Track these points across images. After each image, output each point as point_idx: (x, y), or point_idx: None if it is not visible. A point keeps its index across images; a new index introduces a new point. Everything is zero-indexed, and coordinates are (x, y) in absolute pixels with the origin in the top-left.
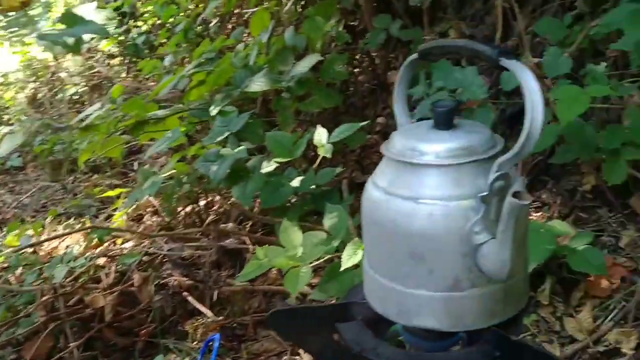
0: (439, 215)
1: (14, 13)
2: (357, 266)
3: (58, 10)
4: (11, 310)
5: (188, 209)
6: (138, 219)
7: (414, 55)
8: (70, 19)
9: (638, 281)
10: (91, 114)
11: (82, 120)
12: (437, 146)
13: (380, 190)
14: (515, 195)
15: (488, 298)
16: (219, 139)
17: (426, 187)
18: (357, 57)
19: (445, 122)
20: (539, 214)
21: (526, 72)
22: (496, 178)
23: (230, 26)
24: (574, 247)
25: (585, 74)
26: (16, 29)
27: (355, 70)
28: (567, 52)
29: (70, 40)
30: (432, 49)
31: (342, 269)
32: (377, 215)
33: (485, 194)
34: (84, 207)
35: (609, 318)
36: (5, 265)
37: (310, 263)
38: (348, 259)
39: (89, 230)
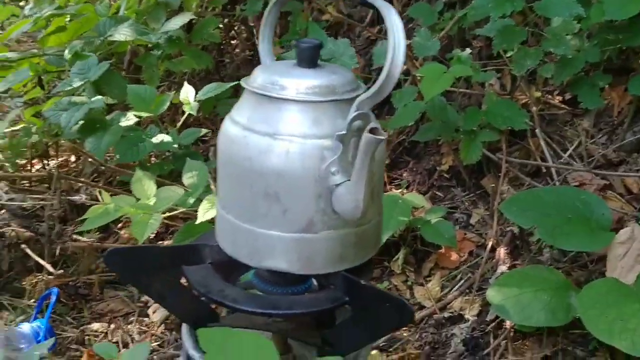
0: (296, 153)
1: None
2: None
3: None
4: None
5: (36, 163)
6: None
7: None
8: None
9: (483, 254)
10: None
11: None
12: (298, 82)
13: (238, 125)
14: (372, 131)
15: (340, 242)
16: (75, 85)
17: (284, 123)
18: (235, 26)
19: (308, 59)
20: (398, 190)
21: (391, 10)
22: (354, 117)
23: None
24: (428, 220)
25: (451, 57)
26: None
27: (233, 41)
28: (437, 37)
29: None
30: None
31: (197, 222)
32: (233, 152)
33: (343, 132)
34: None
35: (455, 288)
36: None
37: (163, 213)
38: (204, 212)
39: None
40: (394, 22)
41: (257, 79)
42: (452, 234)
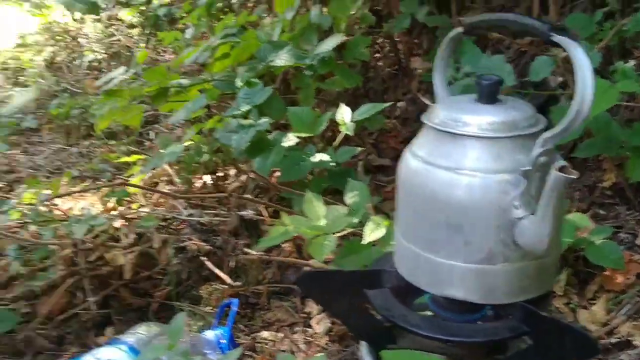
0: (478, 187)
1: None
2: (374, 244)
3: None
4: (27, 265)
5: (205, 178)
6: (154, 184)
7: (459, 29)
8: None
9: None
10: (114, 78)
11: (104, 84)
12: (480, 118)
13: (418, 159)
14: (562, 169)
15: (520, 273)
16: (243, 110)
17: (467, 158)
18: (379, 41)
19: (489, 95)
20: None
21: (577, 48)
22: (541, 153)
23: (252, 2)
24: (592, 240)
25: (613, 70)
26: None
27: (377, 54)
28: (596, 48)
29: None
30: (479, 23)
31: (364, 242)
32: (415, 184)
33: (528, 168)
34: (100, 171)
35: (622, 312)
36: (22, 222)
37: (334, 233)
38: (370, 233)
39: (105, 192)
40: (581, 60)
41: (439, 114)
42: (619, 255)
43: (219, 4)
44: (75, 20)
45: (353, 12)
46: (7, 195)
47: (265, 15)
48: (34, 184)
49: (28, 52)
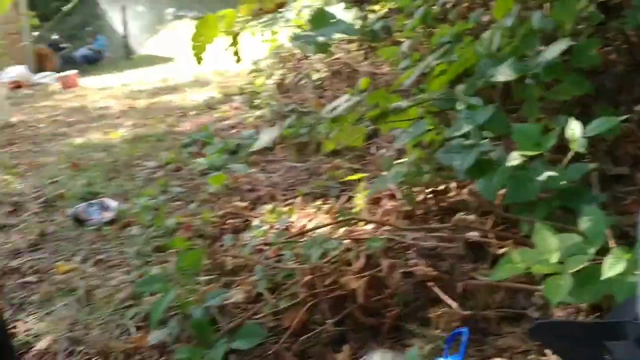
0: None
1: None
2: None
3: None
4: (272, 283)
5: (426, 195)
6: (376, 201)
7: None
8: (320, 19)
9: None
10: (339, 106)
11: (331, 110)
12: None
13: None
14: None
15: None
16: (465, 130)
17: None
18: (609, 35)
19: None
20: None
21: None
22: None
23: (467, 8)
24: None
25: None
26: (269, 22)
27: (607, 49)
28: None
29: (321, 40)
30: None
31: (602, 277)
32: None
33: None
34: (327, 188)
35: None
36: (265, 243)
37: (570, 271)
38: (609, 268)
39: (335, 211)
40: None
41: None
42: None
43: (435, 12)
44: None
45: (580, 11)
46: (251, 214)
47: (483, 19)
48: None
49: (261, 77)
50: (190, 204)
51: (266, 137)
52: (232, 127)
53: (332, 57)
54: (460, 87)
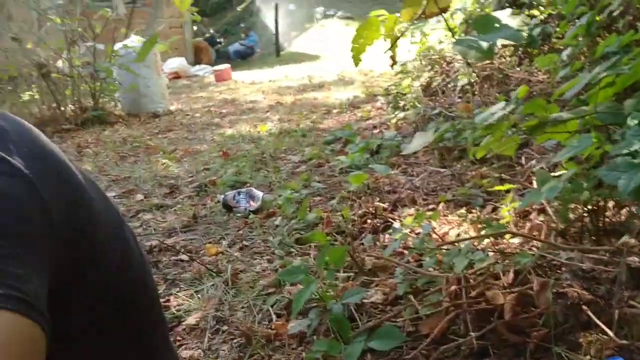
0: None
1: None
2: None
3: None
4: (411, 288)
5: (581, 214)
6: (524, 215)
7: None
8: (485, 24)
9: None
10: (494, 113)
11: (485, 116)
12: None
13: None
14: None
15: None
16: (634, 148)
17: None
18: None
19: None
20: None
21: None
22: None
23: (635, 18)
24: None
25: None
26: (419, 24)
27: None
28: None
29: (485, 46)
30: None
31: None
32: None
33: None
34: (471, 197)
35: None
36: (403, 243)
37: None
38: None
39: (480, 221)
40: None
41: None
42: None
43: (600, 20)
44: (452, 47)
45: None
46: (391, 215)
47: None
48: (421, 217)
49: (407, 78)
50: (331, 200)
51: (419, 141)
52: (375, 127)
53: (484, 62)
54: (629, 102)
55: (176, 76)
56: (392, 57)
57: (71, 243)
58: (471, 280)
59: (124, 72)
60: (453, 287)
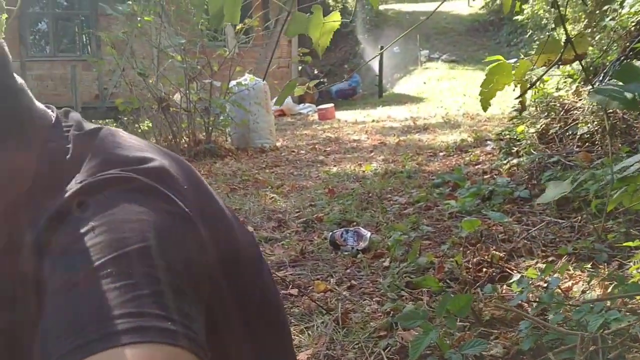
0: None
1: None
2: None
3: None
4: (535, 343)
5: None
6: None
7: None
8: (628, 73)
9: None
10: (632, 165)
11: (621, 168)
12: None
13: None
14: None
15: None
16: None
17: None
18: None
19: None
20: None
21: None
22: None
23: None
24: None
25: None
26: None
27: None
28: None
29: (629, 96)
30: None
31: None
32: None
33: None
34: (595, 251)
35: None
36: (524, 295)
37: None
38: None
39: (604, 277)
40: None
41: None
42: None
43: None
44: (571, 93)
45: None
46: (508, 266)
47: None
48: (549, 269)
49: (522, 124)
50: (441, 245)
51: (554, 191)
52: (485, 172)
53: (609, 110)
54: None
55: (281, 113)
56: (522, 103)
57: (218, 282)
58: (609, 342)
59: (235, 108)
60: (591, 348)
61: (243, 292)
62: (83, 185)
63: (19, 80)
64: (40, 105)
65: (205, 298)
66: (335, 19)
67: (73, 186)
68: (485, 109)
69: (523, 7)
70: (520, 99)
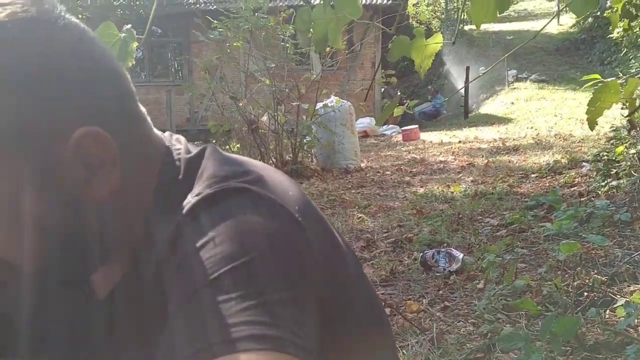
0: None
1: None
2: None
3: None
4: None
5: None
6: None
7: None
8: None
9: None
10: None
11: None
12: None
13: None
14: None
15: None
16: None
17: None
18: None
19: None
20: None
21: None
22: None
23: None
24: None
25: None
26: None
27: None
28: None
29: None
30: None
31: None
32: None
33: None
34: None
35: None
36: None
37: None
38: None
39: None
40: None
41: None
42: None
43: None
44: None
45: None
46: (611, 291)
47: None
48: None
49: (621, 145)
50: (538, 268)
51: None
52: (581, 194)
53: None
54: None
55: (364, 135)
56: (631, 122)
57: (325, 288)
58: None
59: (321, 130)
60: None
61: (349, 293)
62: (199, 198)
63: (142, 108)
64: (155, 130)
65: (317, 301)
66: (437, 41)
67: (190, 200)
68: (592, 128)
69: (619, 24)
70: (630, 118)
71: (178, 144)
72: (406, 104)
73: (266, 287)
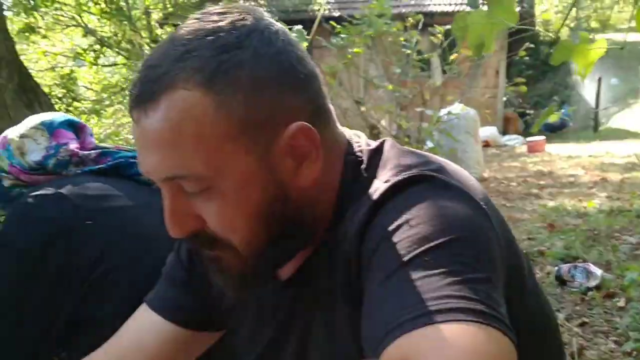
0: None
1: None
2: None
3: None
4: None
5: None
6: None
7: None
8: None
9: None
10: None
11: None
12: None
13: None
14: None
15: None
16: None
17: None
18: None
19: None
20: None
21: None
22: None
23: None
24: None
25: None
26: None
27: None
28: None
29: None
30: None
31: None
32: None
33: None
34: None
35: None
36: None
37: None
38: None
39: None
40: None
41: None
42: None
43: None
44: None
45: None
46: None
47: None
48: None
49: None
50: None
51: None
52: None
53: None
54: None
55: (486, 144)
56: None
57: (509, 275)
58: None
59: (444, 137)
60: None
61: (525, 286)
62: (390, 185)
63: (331, 106)
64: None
65: (504, 288)
66: (601, 46)
67: (379, 186)
68: None
69: None
70: None
71: (357, 137)
72: (529, 115)
73: (466, 267)
